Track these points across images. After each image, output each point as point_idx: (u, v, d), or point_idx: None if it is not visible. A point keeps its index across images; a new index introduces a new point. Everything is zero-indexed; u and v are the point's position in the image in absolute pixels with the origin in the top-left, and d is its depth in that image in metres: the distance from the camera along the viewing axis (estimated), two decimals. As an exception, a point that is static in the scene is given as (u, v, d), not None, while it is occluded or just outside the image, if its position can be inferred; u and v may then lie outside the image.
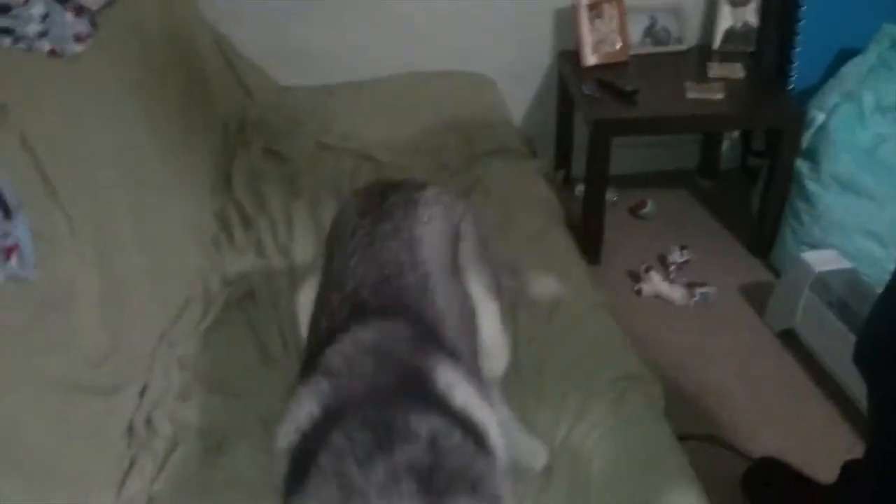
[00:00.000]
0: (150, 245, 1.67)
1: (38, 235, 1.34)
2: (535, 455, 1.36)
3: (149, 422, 1.41)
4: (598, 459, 1.38)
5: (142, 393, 1.48)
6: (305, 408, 1.05)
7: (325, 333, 1.17)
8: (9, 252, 1.25)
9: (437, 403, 1.03)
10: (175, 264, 1.75)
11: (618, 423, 1.44)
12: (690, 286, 2.53)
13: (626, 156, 2.88)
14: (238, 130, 2.46)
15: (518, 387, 1.51)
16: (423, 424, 0.96)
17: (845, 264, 2.23)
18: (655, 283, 2.54)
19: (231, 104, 2.50)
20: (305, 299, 1.38)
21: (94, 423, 1.34)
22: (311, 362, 1.14)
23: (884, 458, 1.46)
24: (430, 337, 1.15)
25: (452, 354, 1.14)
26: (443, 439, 0.96)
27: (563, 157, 3.06)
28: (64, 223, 1.43)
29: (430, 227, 1.33)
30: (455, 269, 1.34)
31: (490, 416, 1.09)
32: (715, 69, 2.69)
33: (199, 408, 1.45)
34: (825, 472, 1.77)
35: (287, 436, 1.06)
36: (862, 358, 1.45)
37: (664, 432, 1.45)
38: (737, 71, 2.67)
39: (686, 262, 2.64)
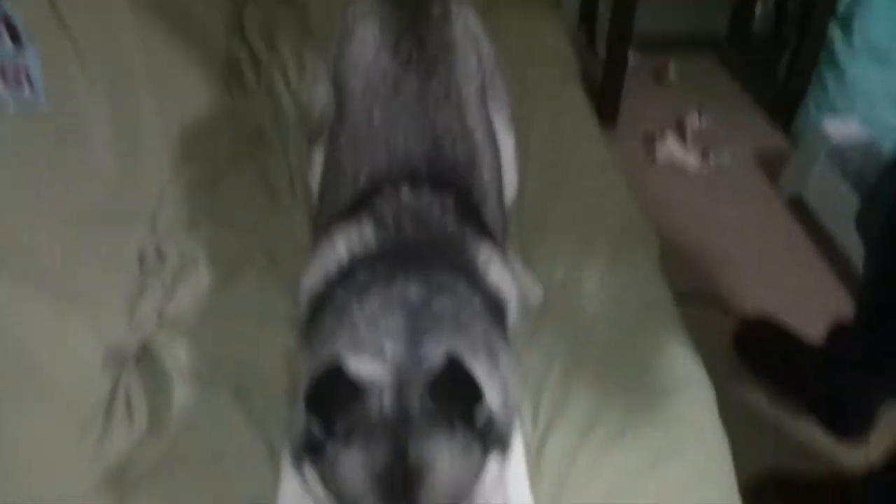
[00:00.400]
0: (161, 82, 1.66)
1: (49, 64, 1.34)
2: (532, 292, 1.39)
3: (158, 250, 1.47)
4: (593, 302, 1.41)
5: (152, 225, 1.53)
6: (341, 250, 1.08)
7: (366, 184, 1.17)
8: (19, 79, 1.26)
9: (472, 275, 1.07)
10: (185, 102, 1.75)
11: (614, 270, 1.46)
12: (705, 150, 2.50)
13: (652, 16, 2.77)
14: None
15: (520, 228, 1.55)
16: (449, 283, 1.01)
17: (865, 134, 2.19)
18: (670, 145, 2.51)
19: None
20: (319, 157, 1.39)
21: (108, 251, 1.39)
22: (349, 206, 1.15)
23: (870, 320, 1.50)
24: (475, 213, 1.18)
25: (492, 234, 1.18)
26: (461, 302, 1.01)
27: (587, 13, 2.96)
28: (74, 54, 1.42)
29: (472, 84, 1.31)
30: (485, 105, 1.34)
31: (513, 292, 1.14)
32: (754, -77, 2.55)
33: (206, 240, 1.49)
34: (817, 331, 1.82)
35: (315, 282, 1.09)
36: (862, 220, 1.47)
37: (658, 283, 1.48)
38: (777, -74, 2.53)
39: (705, 127, 2.61)
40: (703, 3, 3.04)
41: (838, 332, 1.69)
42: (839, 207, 2.11)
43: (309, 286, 1.12)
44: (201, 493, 1.12)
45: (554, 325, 1.36)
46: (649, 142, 2.58)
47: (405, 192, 1.14)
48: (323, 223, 1.22)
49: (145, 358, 1.29)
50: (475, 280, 1.08)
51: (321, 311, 1.06)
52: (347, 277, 1.05)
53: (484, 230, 1.18)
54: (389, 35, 1.30)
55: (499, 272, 1.13)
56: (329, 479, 0.87)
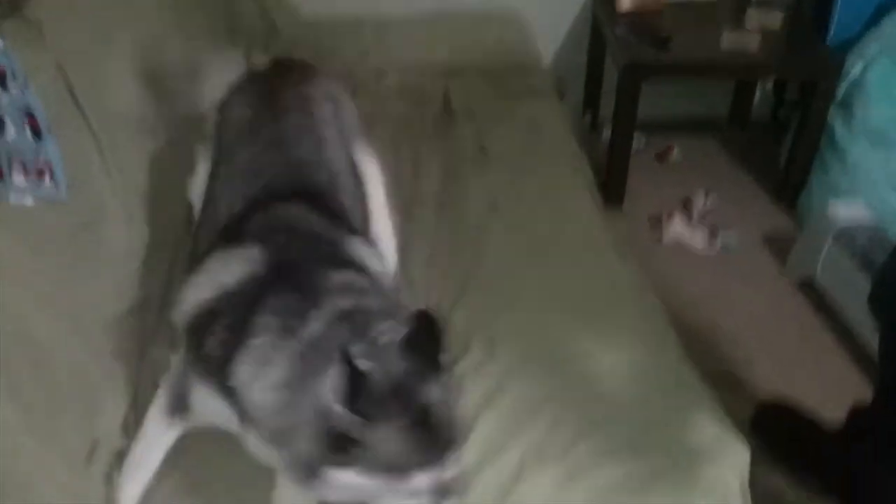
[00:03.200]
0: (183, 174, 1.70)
1: (69, 157, 1.37)
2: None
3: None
4: (614, 379, 1.43)
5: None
6: (235, 271, 1.19)
7: (241, 208, 1.35)
8: (41, 173, 1.29)
9: (348, 262, 1.27)
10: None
11: (634, 349, 1.49)
12: (712, 232, 2.52)
13: (655, 102, 2.84)
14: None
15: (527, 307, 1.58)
16: (340, 277, 1.19)
17: (870, 216, 2.21)
18: (678, 227, 2.53)
19: (256, 37, 2.49)
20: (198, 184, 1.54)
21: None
22: (227, 232, 1.32)
23: (890, 401, 1.49)
24: (339, 218, 1.39)
25: (355, 231, 1.41)
26: (356, 284, 1.19)
27: (591, 99, 3.04)
28: (93, 145, 1.46)
29: (329, 127, 1.55)
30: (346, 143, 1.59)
31: (380, 266, 1.39)
32: (752, 18, 2.63)
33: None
34: (835, 416, 1.79)
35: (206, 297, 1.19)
36: (876, 301, 1.47)
37: (684, 362, 1.50)
38: (774, 20, 2.61)
39: (710, 209, 2.64)
40: (704, 87, 3.11)
41: (856, 415, 1.67)
42: (849, 289, 2.11)
43: (196, 301, 1.21)
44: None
45: (574, 405, 1.36)
46: (656, 223, 2.60)
47: (278, 207, 1.33)
48: (203, 243, 1.37)
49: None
50: (353, 262, 1.28)
51: (217, 324, 1.16)
52: (252, 292, 1.16)
53: (351, 229, 1.39)
54: (253, 96, 1.56)
55: (367, 254, 1.36)
56: (377, 462, 0.98)
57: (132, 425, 1.33)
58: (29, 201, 1.26)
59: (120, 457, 1.27)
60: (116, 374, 1.38)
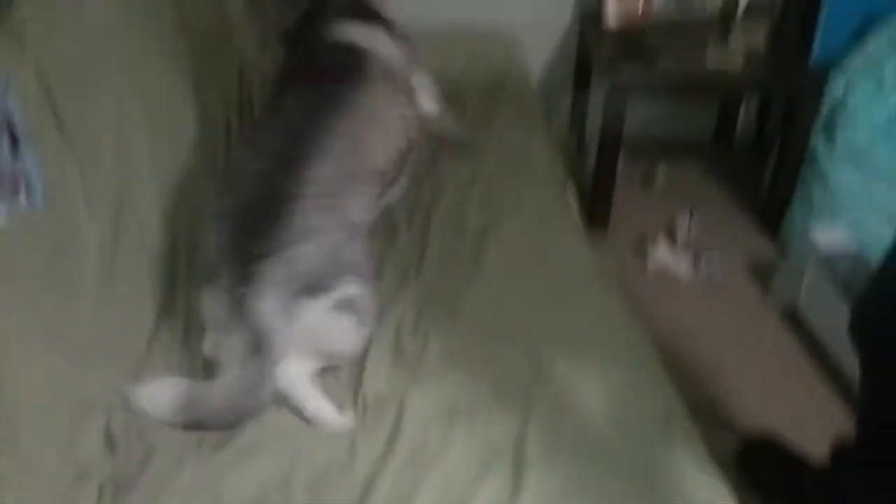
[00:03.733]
0: (165, 189, 1.68)
1: (48, 172, 1.32)
2: None
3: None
4: (597, 415, 1.41)
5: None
6: None
7: None
8: (16, 185, 1.25)
9: None
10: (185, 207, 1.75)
11: (616, 381, 1.47)
12: (696, 257, 2.52)
13: (640, 123, 2.85)
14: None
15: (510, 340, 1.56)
16: None
17: (852, 243, 2.21)
18: (662, 254, 2.53)
19: (249, 56, 2.45)
20: None
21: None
22: None
23: (871, 432, 1.48)
24: None
25: None
26: None
27: (578, 119, 3.03)
28: (71, 159, 1.42)
29: None
30: None
31: None
32: (736, 36, 2.64)
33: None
34: (819, 448, 1.78)
35: None
36: (855, 330, 1.47)
37: (669, 395, 1.48)
38: (759, 38, 2.62)
39: (693, 234, 2.63)
40: (689, 108, 3.13)
41: (840, 449, 1.66)
42: (831, 318, 2.10)
43: None
44: None
45: (557, 438, 1.34)
46: (641, 247, 2.59)
47: None
48: None
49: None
50: None
51: None
52: None
53: None
54: None
55: None
56: None
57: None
58: (2, 217, 1.21)
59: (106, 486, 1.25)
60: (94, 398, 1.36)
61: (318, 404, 1.40)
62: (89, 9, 1.60)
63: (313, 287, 1.42)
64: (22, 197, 1.25)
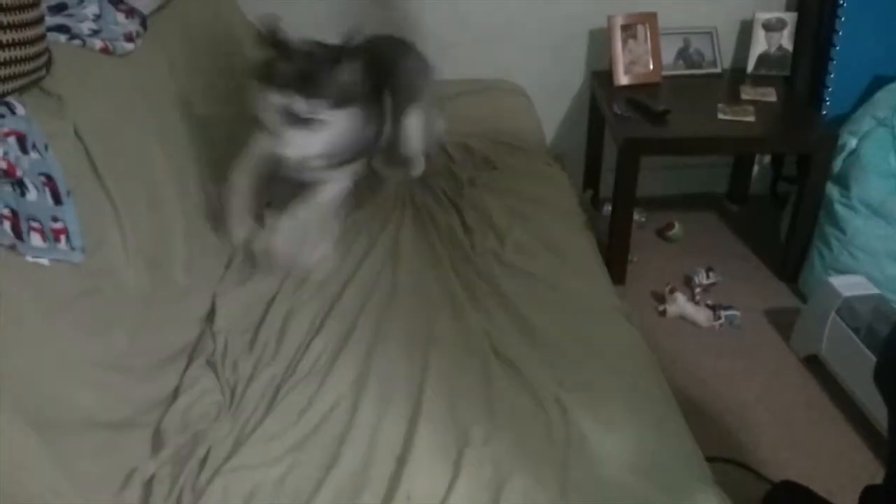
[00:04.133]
0: (194, 236, 1.74)
1: (85, 222, 1.39)
2: None
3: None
4: (616, 461, 1.39)
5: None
6: None
7: None
8: (58, 235, 1.30)
9: None
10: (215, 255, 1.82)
11: (636, 424, 1.47)
12: (715, 308, 2.53)
13: (654, 178, 2.91)
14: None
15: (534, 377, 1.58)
16: None
17: (873, 290, 2.22)
18: (680, 303, 2.54)
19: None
20: None
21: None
22: None
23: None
24: None
25: None
26: None
27: (591, 176, 3.08)
28: (110, 212, 1.48)
29: None
30: None
31: None
32: (747, 93, 2.71)
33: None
34: (847, 497, 1.76)
35: None
36: (881, 376, 1.46)
37: (689, 441, 1.46)
38: (769, 95, 2.69)
39: (712, 284, 2.65)
40: (702, 162, 3.18)
41: (870, 495, 1.64)
42: (854, 365, 2.10)
43: None
44: None
45: (572, 488, 1.33)
46: (658, 299, 2.61)
47: None
48: None
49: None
50: None
51: None
52: None
53: None
54: None
55: None
56: None
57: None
58: (45, 262, 1.26)
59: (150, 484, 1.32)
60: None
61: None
62: (118, 73, 1.70)
63: None
64: (62, 247, 1.30)
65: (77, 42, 1.64)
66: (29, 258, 1.24)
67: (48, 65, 1.47)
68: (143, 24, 1.87)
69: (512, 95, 2.79)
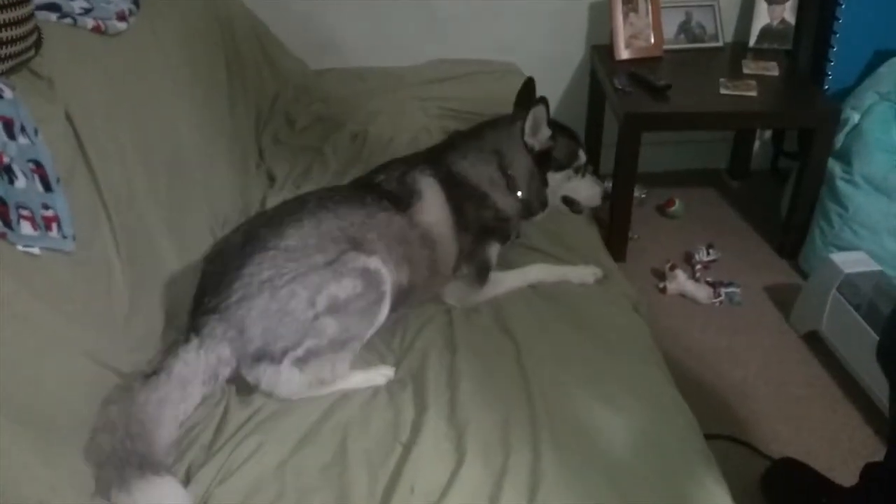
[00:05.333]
0: (179, 229, 1.72)
1: (76, 209, 1.36)
2: None
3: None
4: (617, 439, 1.40)
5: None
6: None
7: None
8: (49, 223, 1.28)
9: None
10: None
11: (636, 404, 1.47)
12: (715, 285, 2.52)
13: (655, 154, 2.88)
14: (269, 115, 2.51)
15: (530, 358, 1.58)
16: None
17: (874, 266, 2.21)
18: (680, 280, 2.53)
19: (264, 87, 2.53)
20: None
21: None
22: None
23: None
24: None
25: None
26: None
27: (591, 152, 3.03)
28: (98, 200, 1.46)
29: None
30: None
31: None
32: (749, 66, 2.67)
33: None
34: (846, 474, 1.77)
35: None
36: (884, 354, 1.45)
37: (688, 419, 1.47)
38: (772, 69, 2.65)
39: (713, 261, 2.64)
40: (703, 138, 3.15)
41: (871, 471, 1.64)
42: (855, 341, 2.10)
43: None
44: None
45: (572, 468, 1.33)
46: (658, 277, 2.60)
47: None
48: None
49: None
50: None
51: None
52: None
53: None
54: None
55: None
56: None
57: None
58: (36, 251, 1.25)
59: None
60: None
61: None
62: (110, 54, 1.67)
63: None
64: (54, 234, 1.28)
65: (68, 21, 1.61)
66: (20, 247, 1.22)
67: (37, 45, 1.44)
68: (136, 2, 1.84)
69: (507, 72, 2.75)
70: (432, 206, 1.74)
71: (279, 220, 1.57)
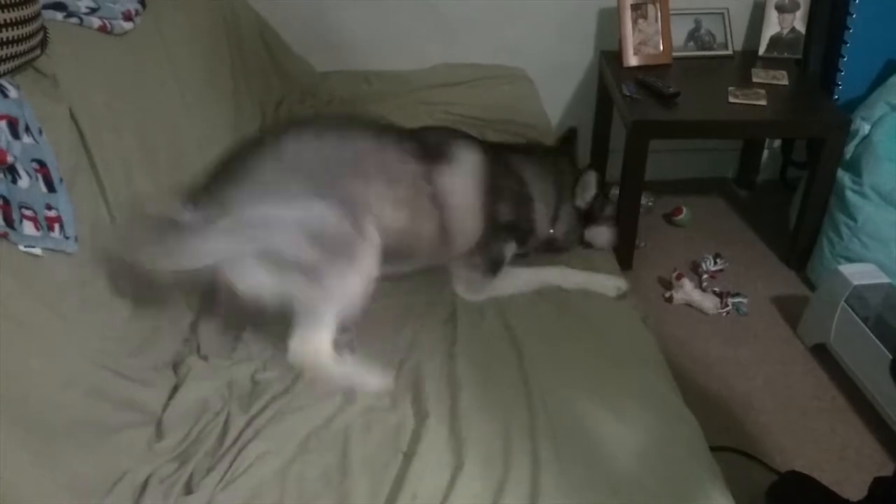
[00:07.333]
0: None
1: (79, 210, 1.35)
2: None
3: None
4: (622, 448, 1.39)
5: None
6: None
7: None
8: (51, 223, 1.27)
9: None
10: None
11: (640, 413, 1.46)
12: (722, 295, 2.50)
13: (663, 162, 2.86)
14: (274, 117, 2.50)
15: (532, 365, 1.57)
16: None
17: (883, 278, 2.18)
18: (687, 290, 2.51)
19: (270, 89, 2.52)
20: None
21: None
22: None
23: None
24: None
25: None
26: None
27: (599, 158, 3.04)
28: (101, 200, 1.45)
29: None
30: None
31: None
32: (759, 75, 2.65)
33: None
34: (853, 488, 1.75)
35: None
36: None
37: (693, 430, 1.45)
38: (781, 78, 2.63)
39: (719, 270, 2.62)
40: (711, 146, 3.13)
41: (879, 485, 1.62)
42: (863, 354, 2.08)
43: None
44: None
45: (576, 476, 1.32)
46: (665, 286, 2.58)
47: None
48: None
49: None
50: None
51: None
52: None
53: None
54: None
55: None
56: None
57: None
58: (38, 251, 1.23)
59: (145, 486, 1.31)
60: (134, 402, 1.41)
61: None
62: (116, 54, 1.66)
63: None
64: (56, 235, 1.27)
65: (74, 20, 1.60)
66: (21, 248, 1.21)
67: (43, 44, 1.42)
68: (143, 2, 1.83)
69: (513, 78, 2.74)
70: (458, 175, 1.75)
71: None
